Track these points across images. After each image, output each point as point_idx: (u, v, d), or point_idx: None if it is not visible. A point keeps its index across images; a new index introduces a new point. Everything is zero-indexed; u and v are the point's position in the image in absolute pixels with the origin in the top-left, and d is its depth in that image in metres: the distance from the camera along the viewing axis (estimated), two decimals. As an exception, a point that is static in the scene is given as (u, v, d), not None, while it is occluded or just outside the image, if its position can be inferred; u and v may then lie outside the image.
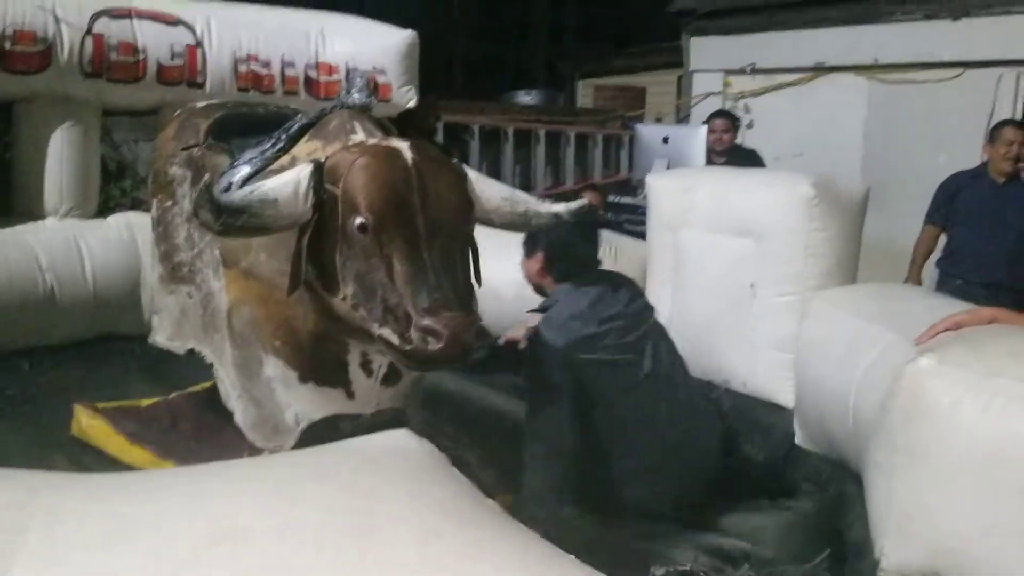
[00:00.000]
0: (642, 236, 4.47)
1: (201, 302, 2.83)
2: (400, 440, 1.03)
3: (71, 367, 3.72)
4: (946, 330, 2.02)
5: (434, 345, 1.77)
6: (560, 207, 2.18)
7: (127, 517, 0.79)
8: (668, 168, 5.79)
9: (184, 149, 2.87)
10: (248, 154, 2.15)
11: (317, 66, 4.20)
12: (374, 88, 3.57)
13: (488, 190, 2.09)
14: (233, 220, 1.84)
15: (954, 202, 4.39)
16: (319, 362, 2.22)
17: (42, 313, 3.70)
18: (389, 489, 0.86)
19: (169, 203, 2.92)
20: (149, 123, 4.99)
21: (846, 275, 3.48)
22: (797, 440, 3.21)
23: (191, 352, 2.93)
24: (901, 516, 1.94)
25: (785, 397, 3.40)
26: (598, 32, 16.36)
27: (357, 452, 0.98)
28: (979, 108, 6.74)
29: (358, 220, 1.87)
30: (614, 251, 4.22)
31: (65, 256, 3.77)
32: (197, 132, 2.86)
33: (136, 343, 3.96)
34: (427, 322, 1.78)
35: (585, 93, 12.86)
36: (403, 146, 1.96)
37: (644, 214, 4.54)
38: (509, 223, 2.14)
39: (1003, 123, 4.45)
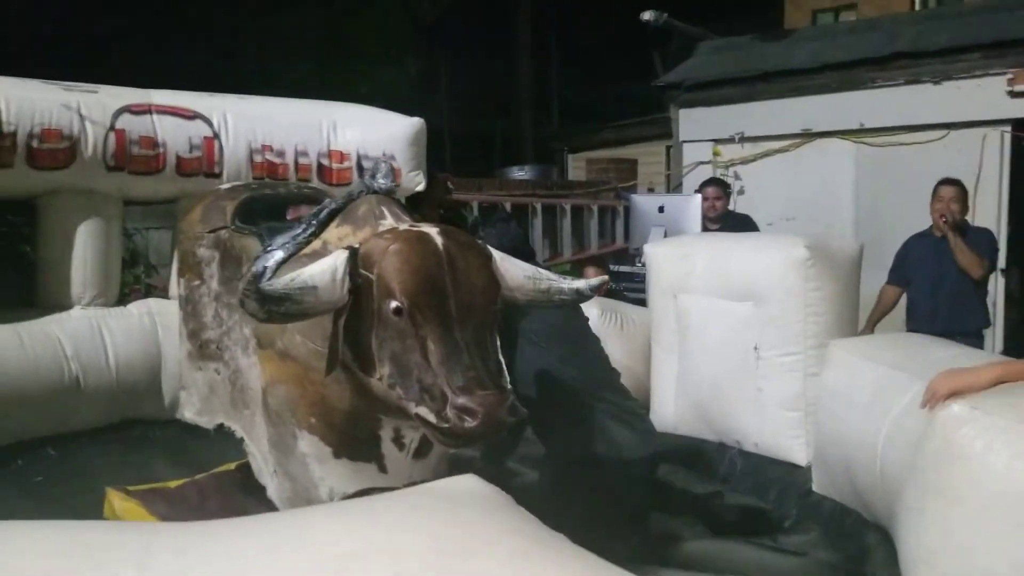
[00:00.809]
0: (642, 303, 4.61)
1: (229, 378, 2.93)
2: (469, 483, 1.14)
3: (96, 452, 3.81)
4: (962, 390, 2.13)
5: (470, 423, 1.86)
6: (581, 283, 2.30)
7: (246, 550, 0.90)
8: (665, 236, 5.97)
9: (211, 231, 3.01)
10: (281, 239, 2.29)
11: (329, 154, 4.38)
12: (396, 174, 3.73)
13: (512, 269, 2.19)
14: (276, 308, 1.95)
15: (906, 262, 4.60)
16: (353, 438, 2.30)
17: (68, 400, 3.79)
18: (473, 520, 0.97)
19: (197, 282, 3.05)
20: (159, 211, 5.16)
21: (847, 331, 3.60)
22: (815, 488, 3.28)
23: (219, 428, 3.03)
24: (932, 555, 2.05)
25: (797, 455, 3.49)
26: (584, 107, 16.81)
27: (436, 492, 1.10)
28: (967, 167, 6.92)
29: (393, 304, 1.97)
30: (619, 319, 4.35)
31: (89, 344, 3.88)
32: (224, 214, 3.00)
33: (157, 427, 4.07)
34: (463, 401, 1.87)
35: (576, 166, 13.18)
36: (433, 231, 2.08)
37: (643, 281, 4.68)
38: (532, 300, 2.24)
39: (940, 181, 4.61)
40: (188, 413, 3.22)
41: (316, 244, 2.37)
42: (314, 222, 2.39)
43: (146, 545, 0.96)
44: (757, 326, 3.67)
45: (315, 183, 4.27)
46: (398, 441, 2.31)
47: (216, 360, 3.00)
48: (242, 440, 2.87)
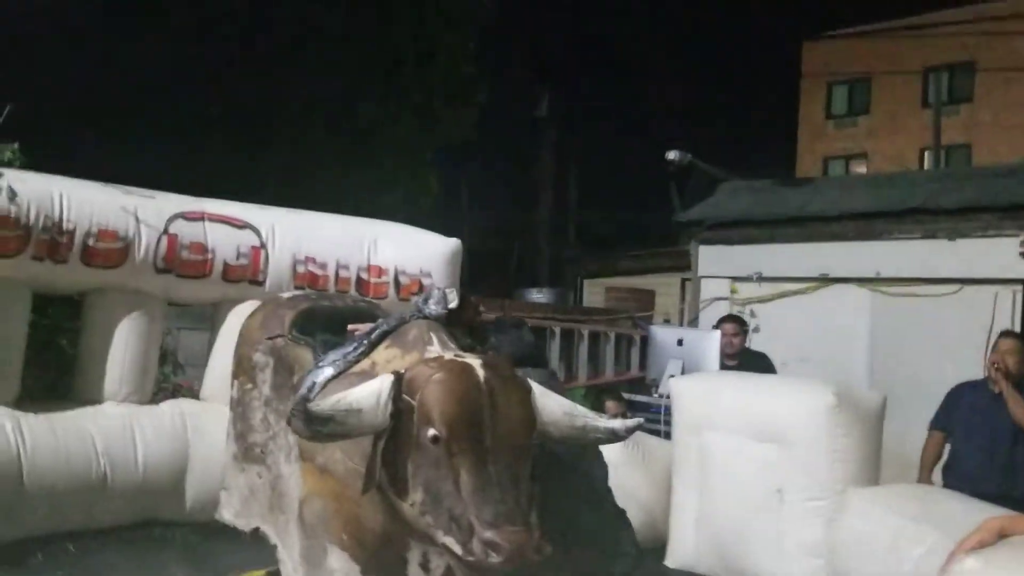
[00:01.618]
0: (657, 434, 4.65)
1: (271, 483, 2.98)
2: None
3: (114, 551, 3.80)
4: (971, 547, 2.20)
5: (495, 558, 1.90)
6: (617, 424, 2.38)
7: None
8: (683, 370, 6.04)
9: (269, 338, 3.11)
10: (332, 356, 2.39)
11: (368, 268, 4.54)
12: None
13: (550, 404, 2.25)
14: (321, 427, 2.04)
15: (956, 411, 4.41)
16: (382, 558, 2.34)
17: (93, 496, 3.82)
18: None
19: (249, 386, 3.14)
20: (192, 312, 5.29)
21: (869, 479, 3.62)
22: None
23: (255, 531, 3.05)
24: None
25: (818, 602, 3.47)
26: (601, 234, 17.23)
27: None
28: (979, 322, 7.06)
29: (431, 432, 2.04)
30: (642, 451, 4.39)
31: (120, 441, 3.92)
32: (282, 323, 3.11)
33: (176, 529, 4.07)
34: (489, 535, 1.92)
35: (592, 291, 13.42)
36: (476, 363, 2.16)
37: (659, 412, 4.72)
38: (567, 436, 2.28)
39: (1001, 333, 4.56)
40: (227, 514, 3.26)
41: (365, 364, 2.46)
42: (365, 342, 2.49)
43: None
44: (782, 469, 3.70)
45: (352, 295, 4.39)
46: (425, 566, 2.33)
47: (260, 463, 3.06)
48: (274, 547, 2.90)
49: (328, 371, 2.50)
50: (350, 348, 2.56)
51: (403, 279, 4.56)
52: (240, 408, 3.14)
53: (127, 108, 12.86)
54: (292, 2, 14.30)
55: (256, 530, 3.04)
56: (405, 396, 2.11)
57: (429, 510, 2.04)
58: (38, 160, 4.59)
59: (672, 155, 9.19)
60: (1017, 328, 7.01)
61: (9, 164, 4.36)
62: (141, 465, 3.95)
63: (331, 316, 3.11)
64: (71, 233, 3.84)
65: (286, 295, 3.50)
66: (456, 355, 2.28)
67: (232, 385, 3.24)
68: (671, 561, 4.11)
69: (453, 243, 4.75)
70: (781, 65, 28.75)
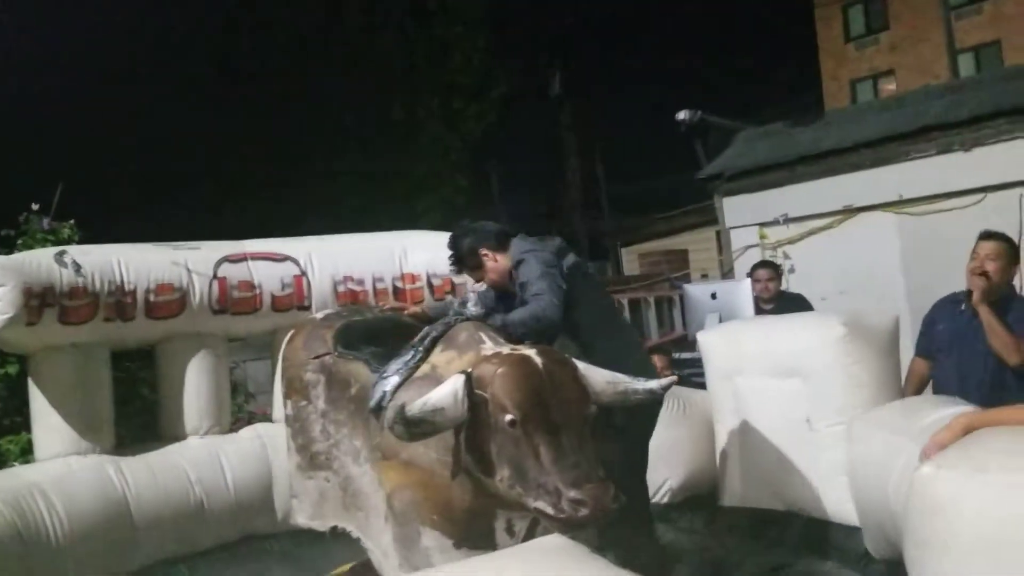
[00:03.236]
0: (705, 386, 4.93)
1: (340, 485, 3.35)
2: (558, 541, 1.56)
3: (223, 567, 4.23)
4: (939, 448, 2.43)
5: (583, 511, 2.27)
6: (653, 383, 2.72)
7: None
8: (720, 321, 6.29)
9: (316, 357, 3.47)
10: (394, 365, 2.74)
11: (403, 277, 4.89)
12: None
13: (593, 376, 2.61)
14: (416, 429, 2.41)
15: (934, 334, 4.04)
16: (472, 530, 2.69)
17: (193, 522, 4.25)
18: (566, 562, 1.38)
19: (304, 403, 3.50)
20: (254, 344, 5.70)
21: (890, 398, 3.84)
22: (868, 549, 3.53)
23: (333, 530, 3.43)
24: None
25: (854, 517, 3.73)
26: (633, 201, 17.40)
27: (540, 546, 1.52)
28: (1008, 227, 7.13)
29: (508, 417, 2.40)
30: (682, 404, 4.68)
31: (210, 469, 4.36)
32: (324, 342, 3.47)
33: (272, 540, 4.50)
34: (574, 494, 2.28)
35: (630, 259, 13.64)
36: (531, 352, 2.52)
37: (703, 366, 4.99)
38: (612, 401, 2.65)
39: (980, 235, 3.97)
40: (301, 518, 3.63)
41: (425, 368, 2.80)
42: (420, 349, 2.83)
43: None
44: (806, 400, 3.97)
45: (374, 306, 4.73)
46: (510, 530, 2.70)
47: (325, 469, 3.43)
48: (358, 540, 3.27)
49: (395, 379, 2.83)
50: (408, 356, 2.87)
51: (435, 281, 4.90)
52: (297, 424, 3.51)
53: (164, 166, 13.46)
54: (297, 34, 14.70)
55: (334, 528, 3.41)
56: (477, 391, 2.45)
57: (517, 482, 2.39)
58: (92, 230, 5.07)
59: (682, 115, 9.39)
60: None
61: (69, 241, 4.84)
62: (232, 488, 4.38)
63: (365, 329, 3.47)
64: (133, 293, 4.26)
65: (318, 316, 3.85)
66: (512, 349, 2.61)
67: (285, 405, 3.60)
68: (725, 501, 4.41)
69: (475, 241, 5.07)
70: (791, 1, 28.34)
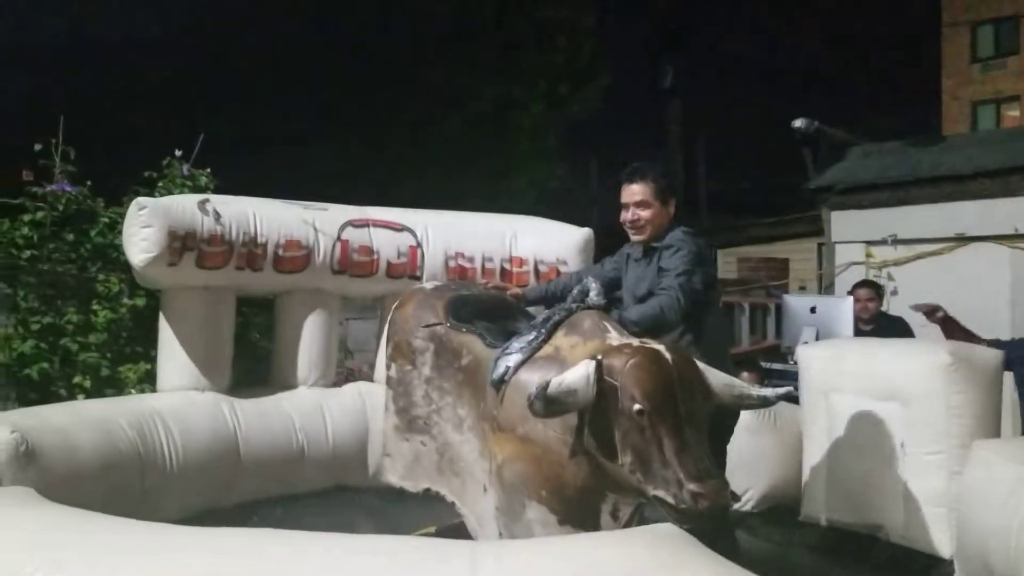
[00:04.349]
0: (794, 400, 4.95)
1: (437, 450, 3.51)
2: (667, 529, 1.68)
3: (313, 513, 4.44)
4: None
5: (703, 504, 2.37)
6: (768, 391, 2.81)
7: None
8: (817, 337, 6.26)
9: (426, 326, 3.61)
10: (516, 343, 2.88)
11: (511, 260, 5.02)
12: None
13: (713, 378, 2.70)
14: (552, 407, 2.54)
15: None
16: (578, 509, 2.79)
17: (294, 467, 4.50)
18: (677, 551, 1.50)
19: (409, 367, 3.65)
20: (357, 304, 5.93)
21: (989, 432, 3.84)
22: (959, 577, 3.54)
23: (426, 491, 3.60)
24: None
25: (942, 548, 3.75)
26: (731, 203, 17.20)
27: (646, 532, 1.65)
28: (1124, 275, 6.95)
29: (636, 407, 2.50)
30: (772, 415, 4.73)
31: (313, 419, 4.60)
32: (435, 311, 3.60)
33: (361, 493, 4.71)
34: (695, 487, 2.38)
35: (724, 261, 13.53)
36: (662, 348, 2.63)
37: (795, 379, 5.01)
38: (729, 404, 2.74)
39: None
40: (392, 477, 3.77)
41: (548, 349, 2.92)
42: (543, 331, 2.95)
43: (471, 556, 1.52)
44: (903, 425, 3.98)
45: (478, 282, 4.87)
46: (614, 514, 2.80)
47: (423, 433, 3.58)
48: (448, 503, 3.44)
49: (518, 356, 2.94)
50: (531, 336, 2.98)
51: (542, 267, 5.02)
52: (401, 387, 3.64)
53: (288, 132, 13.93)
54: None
55: (427, 490, 3.56)
56: (606, 378, 2.56)
57: (639, 469, 2.49)
58: (224, 179, 5.36)
59: (798, 123, 9.28)
60: None
61: (205, 188, 5.14)
62: (331, 439, 4.61)
63: (474, 303, 3.60)
64: (264, 245, 4.50)
65: (428, 286, 3.97)
66: (642, 342, 2.71)
67: (389, 367, 3.74)
68: (805, 514, 4.45)
69: (586, 232, 5.17)
70: (919, 14, 27.36)
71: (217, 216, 4.30)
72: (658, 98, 19.06)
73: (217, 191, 5.02)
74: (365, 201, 5.17)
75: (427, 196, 5.52)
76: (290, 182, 7.41)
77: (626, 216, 3.59)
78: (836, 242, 8.98)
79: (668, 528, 1.71)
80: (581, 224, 5.27)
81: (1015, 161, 7.78)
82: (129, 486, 3.85)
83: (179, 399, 4.34)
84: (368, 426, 4.71)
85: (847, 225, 8.89)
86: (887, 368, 4.14)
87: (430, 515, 3.84)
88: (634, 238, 3.61)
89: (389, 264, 4.85)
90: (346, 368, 6.01)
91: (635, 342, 2.72)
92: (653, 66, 18.89)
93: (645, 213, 3.54)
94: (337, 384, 5.00)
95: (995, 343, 4.23)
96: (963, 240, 7.99)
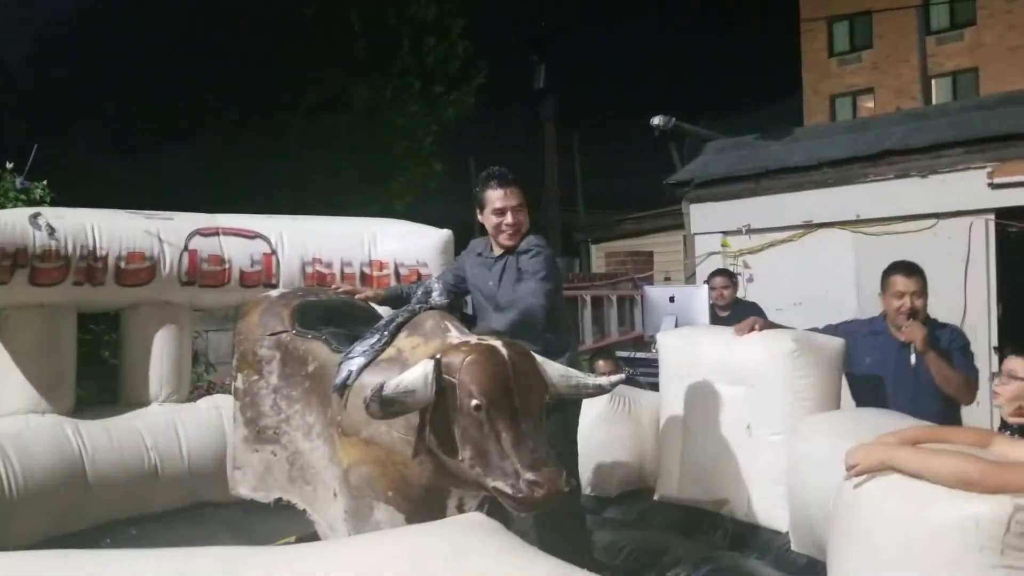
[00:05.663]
0: (656, 387, 5.11)
1: (287, 459, 3.47)
2: (476, 519, 1.71)
3: (169, 530, 4.32)
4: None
5: (539, 492, 2.43)
6: (603, 380, 2.92)
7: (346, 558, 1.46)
8: (676, 324, 6.49)
9: (272, 334, 3.56)
10: (359, 347, 2.87)
11: (370, 263, 4.99)
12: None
13: (549, 369, 2.79)
14: (389, 408, 2.55)
15: (855, 358, 4.14)
16: (424, 506, 2.82)
17: (148, 486, 4.36)
18: (480, 541, 1.52)
19: (256, 377, 3.59)
20: (217, 315, 5.79)
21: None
22: (793, 547, 3.73)
23: (278, 501, 3.55)
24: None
25: (781, 522, 3.94)
26: (607, 200, 17.60)
27: (453, 524, 1.68)
28: (956, 253, 7.47)
29: (474, 402, 2.54)
30: (627, 403, 4.86)
31: (166, 436, 4.46)
32: (280, 319, 3.56)
33: (221, 508, 4.60)
34: (531, 476, 2.45)
35: (599, 256, 13.86)
36: (497, 344, 2.68)
37: (657, 367, 5.19)
38: (564, 393, 2.84)
39: (894, 266, 3.96)
40: (243, 490, 3.72)
41: (391, 352, 2.93)
42: (386, 333, 2.96)
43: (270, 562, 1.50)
44: (750, 407, 4.15)
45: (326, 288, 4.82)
46: (460, 508, 2.84)
47: (273, 443, 3.53)
48: (303, 512, 3.40)
49: (360, 360, 2.94)
50: (374, 339, 2.98)
51: (402, 270, 5.01)
52: (248, 397, 3.59)
53: (142, 129, 13.41)
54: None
55: (278, 500, 3.52)
56: (445, 376, 2.59)
57: (478, 463, 2.55)
58: (64, 191, 5.12)
59: (657, 120, 9.57)
60: (992, 256, 7.41)
61: (41, 201, 4.90)
62: (186, 456, 4.49)
63: (324, 310, 3.58)
64: (104, 259, 4.33)
65: (274, 293, 3.93)
66: (479, 339, 2.75)
67: (235, 378, 3.68)
68: (659, 494, 4.60)
69: (445, 234, 5.18)
70: (778, 10, 28.64)
71: (51, 230, 4.11)
72: (532, 97, 19.27)
73: (54, 204, 4.80)
74: (234, 209, 5.06)
75: (308, 200, 5.42)
76: (152, 192, 7.17)
77: (505, 220, 3.61)
78: (696, 233, 9.30)
79: (475, 517, 1.74)
80: (463, 223, 5.28)
81: (855, 151, 8.24)
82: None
83: (16, 423, 4.14)
84: (227, 439, 4.58)
85: (705, 217, 9.22)
86: (737, 354, 4.30)
87: (293, 526, 3.79)
88: (507, 242, 3.65)
89: (242, 273, 4.75)
90: (207, 381, 5.86)
91: (472, 339, 2.76)
92: (526, 68, 19.08)
93: (523, 217, 3.64)
94: (195, 399, 4.87)
95: (829, 329, 4.46)
96: (810, 227, 8.41)
